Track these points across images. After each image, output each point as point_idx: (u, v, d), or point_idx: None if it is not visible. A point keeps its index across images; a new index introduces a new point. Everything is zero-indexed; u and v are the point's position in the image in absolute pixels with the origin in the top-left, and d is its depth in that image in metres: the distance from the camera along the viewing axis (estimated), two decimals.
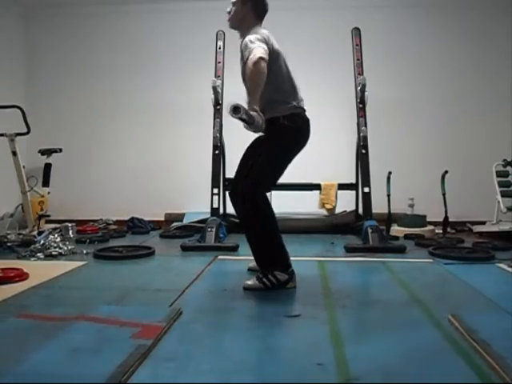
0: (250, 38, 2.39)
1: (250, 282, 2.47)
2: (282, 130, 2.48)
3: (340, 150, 4.95)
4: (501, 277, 2.85)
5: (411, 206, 4.57)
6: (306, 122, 2.61)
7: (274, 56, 2.44)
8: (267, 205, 2.50)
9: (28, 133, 4.22)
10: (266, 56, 2.29)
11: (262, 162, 2.47)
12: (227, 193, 2.53)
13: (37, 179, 4.54)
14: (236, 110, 2.07)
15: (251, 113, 2.20)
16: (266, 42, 2.40)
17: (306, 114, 2.62)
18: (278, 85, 2.48)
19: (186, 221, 4.72)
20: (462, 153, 4.98)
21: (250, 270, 2.81)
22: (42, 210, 4.48)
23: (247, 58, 2.31)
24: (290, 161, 2.58)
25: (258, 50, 2.28)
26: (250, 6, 2.56)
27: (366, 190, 4.01)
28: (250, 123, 2.23)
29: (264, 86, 2.31)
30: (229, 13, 2.62)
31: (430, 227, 4.51)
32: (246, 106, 2.26)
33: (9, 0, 5.12)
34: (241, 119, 2.17)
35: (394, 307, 2.19)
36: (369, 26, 4.69)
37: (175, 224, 4.72)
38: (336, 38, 4.84)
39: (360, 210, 4.32)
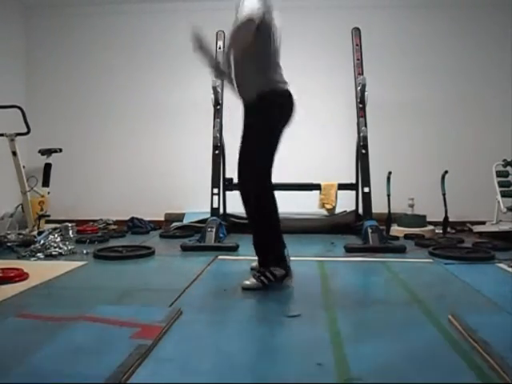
0: (248, 2, 2.36)
1: (248, 282, 2.47)
2: (266, 105, 2.48)
3: (340, 150, 4.95)
4: (501, 277, 2.85)
5: (411, 206, 4.57)
6: (289, 95, 2.57)
7: (267, 29, 2.46)
8: (273, 194, 2.52)
9: (28, 133, 4.22)
10: (256, 20, 2.31)
11: (257, 143, 2.51)
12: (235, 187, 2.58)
13: (37, 179, 4.54)
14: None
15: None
16: (263, 12, 2.40)
17: (289, 88, 2.58)
18: (265, 58, 2.50)
19: (185, 221, 4.72)
20: (462, 153, 4.98)
21: (252, 269, 2.81)
22: (41, 210, 4.47)
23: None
24: (279, 135, 2.56)
25: (252, 14, 2.30)
26: None
27: (366, 190, 4.01)
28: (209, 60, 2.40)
29: (251, 55, 2.41)
30: None
31: (430, 227, 4.51)
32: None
33: (9, 0, 5.12)
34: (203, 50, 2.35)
35: (394, 307, 2.19)
36: (369, 26, 4.68)
37: (175, 224, 4.72)
38: (336, 37, 4.84)
39: (360, 210, 4.31)
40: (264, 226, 2.53)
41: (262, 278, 2.45)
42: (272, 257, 2.50)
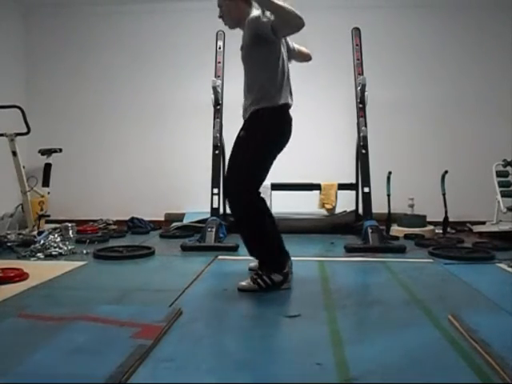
0: (258, 13, 2.30)
1: (244, 283, 2.45)
2: (266, 122, 2.43)
3: (340, 150, 4.95)
4: (501, 277, 2.85)
5: (411, 206, 4.56)
6: (290, 120, 2.53)
7: (277, 45, 2.42)
8: (263, 203, 2.48)
9: (28, 133, 4.22)
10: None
11: (250, 156, 2.44)
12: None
13: (37, 179, 4.54)
14: None
15: None
16: None
17: (290, 112, 2.54)
18: (272, 75, 2.43)
19: (185, 221, 4.72)
20: (462, 153, 4.97)
21: (250, 269, 2.81)
22: (42, 210, 4.47)
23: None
24: (274, 156, 2.51)
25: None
26: None
27: (366, 190, 4.01)
28: None
29: (259, 72, 2.39)
30: (221, 17, 2.55)
31: (430, 227, 4.50)
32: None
33: (9, 0, 5.12)
34: None
35: (394, 307, 2.19)
36: (369, 25, 4.68)
37: (175, 224, 4.72)
38: (336, 37, 4.84)
39: (360, 210, 4.31)
40: (257, 237, 2.48)
41: (259, 281, 2.42)
42: (272, 263, 2.46)
